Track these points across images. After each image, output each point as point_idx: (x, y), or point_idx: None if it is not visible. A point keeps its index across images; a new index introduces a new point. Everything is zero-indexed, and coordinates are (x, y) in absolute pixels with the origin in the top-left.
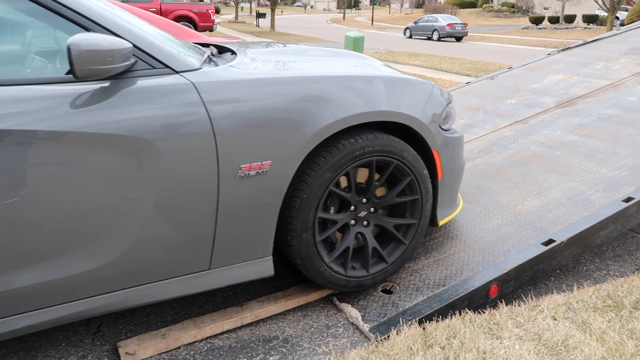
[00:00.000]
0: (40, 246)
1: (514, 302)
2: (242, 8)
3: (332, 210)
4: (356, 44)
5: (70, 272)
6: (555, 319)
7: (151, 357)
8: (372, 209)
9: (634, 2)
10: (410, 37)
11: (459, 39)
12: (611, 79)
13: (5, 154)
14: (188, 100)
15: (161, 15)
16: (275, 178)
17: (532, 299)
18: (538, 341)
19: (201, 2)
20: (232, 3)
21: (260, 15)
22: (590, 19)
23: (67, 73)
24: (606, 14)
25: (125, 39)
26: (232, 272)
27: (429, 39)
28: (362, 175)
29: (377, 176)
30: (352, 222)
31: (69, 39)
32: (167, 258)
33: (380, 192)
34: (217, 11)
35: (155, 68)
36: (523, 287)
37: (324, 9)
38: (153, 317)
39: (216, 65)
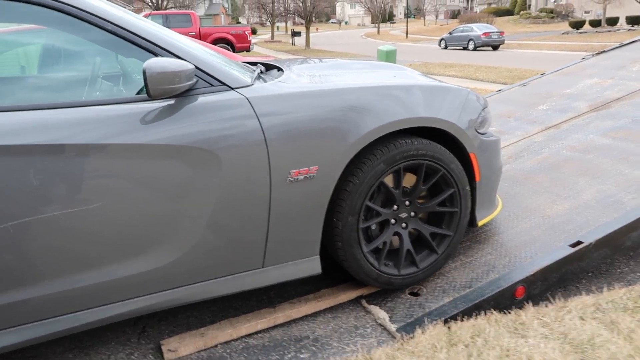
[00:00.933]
0: (117, 246)
1: (541, 303)
2: (278, 27)
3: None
4: (389, 57)
5: (143, 268)
6: (582, 319)
7: (191, 354)
8: (412, 213)
9: None
10: (446, 47)
11: (495, 47)
12: None
13: (87, 165)
14: (243, 114)
15: (200, 38)
16: (322, 182)
17: (560, 301)
18: (563, 340)
19: (238, 24)
20: (268, 23)
21: (295, 34)
22: (634, 21)
23: (137, 93)
24: None
25: (188, 61)
26: (283, 270)
27: (465, 49)
28: (409, 180)
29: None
30: (393, 220)
31: (144, 63)
32: (226, 257)
33: (422, 199)
34: (254, 32)
35: (213, 86)
36: (551, 289)
37: (359, 24)
38: (193, 319)
39: (265, 81)
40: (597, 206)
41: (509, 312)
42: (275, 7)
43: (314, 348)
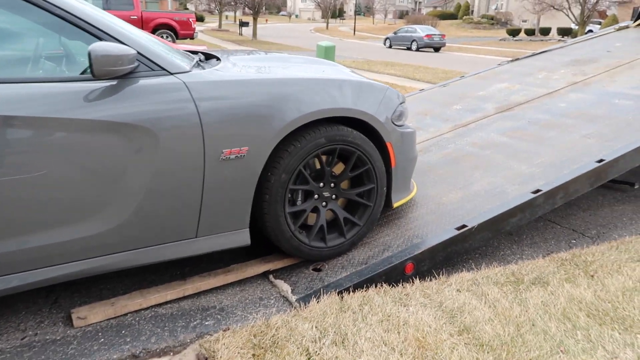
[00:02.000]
0: (58, 213)
1: (427, 278)
2: (226, 17)
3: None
4: (327, 53)
5: (82, 234)
6: (459, 291)
7: (100, 321)
8: (333, 195)
9: (607, 16)
10: (390, 47)
11: (437, 49)
12: (549, 87)
13: (33, 136)
14: (180, 97)
15: (142, 22)
16: (251, 161)
17: (444, 276)
18: (438, 308)
19: (185, 10)
20: (216, 11)
21: (243, 24)
22: (564, 32)
23: (81, 73)
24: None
25: (131, 47)
26: (214, 241)
27: (408, 49)
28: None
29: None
30: (316, 195)
31: (89, 46)
32: (161, 227)
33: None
34: (201, 19)
35: (153, 70)
36: (437, 266)
37: (309, 19)
38: (106, 291)
39: (203, 69)
40: (486, 195)
41: (397, 286)
42: None
43: (218, 316)
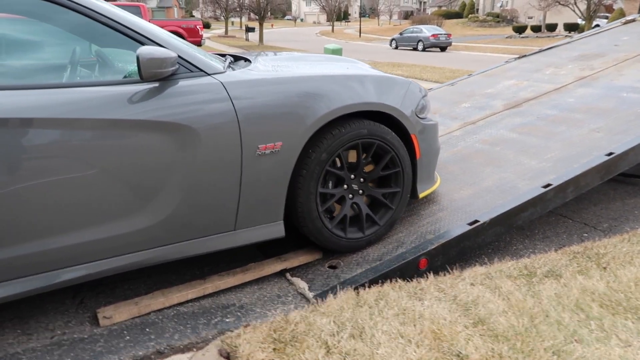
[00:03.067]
0: (109, 208)
1: (441, 273)
2: (232, 23)
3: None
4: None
5: (131, 228)
6: (472, 285)
7: (125, 320)
8: (362, 183)
9: (614, 10)
10: (396, 48)
11: (443, 49)
12: (557, 83)
13: (86, 138)
14: (218, 96)
15: None
16: (285, 155)
17: (457, 271)
18: (453, 301)
19: (192, 18)
20: (222, 18)
21: (249, 30)
22: (571, 27)
23: (125, 77)
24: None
25: (172, 50)
26: (252, 233)
27: (415, 49)
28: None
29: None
30: (350, 193)
31: (137, 50)
32: (203, 220)
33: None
34: (208, 26)
35: (192, 72)
36: (451, 261)
37: (314, 22)
38: (129, 292)
39: (233, 70)
40: (497, 191)
41: (412, 281)
42: (230, 2)
43: (238, 313)
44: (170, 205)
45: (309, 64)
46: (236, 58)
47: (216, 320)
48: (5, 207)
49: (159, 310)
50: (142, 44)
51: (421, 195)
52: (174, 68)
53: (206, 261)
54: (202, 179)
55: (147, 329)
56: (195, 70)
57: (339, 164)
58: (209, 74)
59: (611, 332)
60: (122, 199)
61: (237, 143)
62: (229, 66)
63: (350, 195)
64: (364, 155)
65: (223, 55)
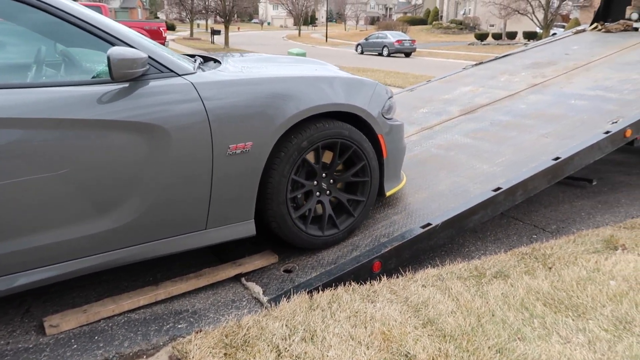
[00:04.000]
0: (78, 209)
1: (394, 275)
2: (198, 25)
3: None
4: None
5: (101, 228)
6: (424, 286)
7: (73, 328)
8: (331, 181)
9: (570, 19)
10: (362, 53)
11: (407, 54)
12: (510, 89)
13: (54, 138)
14: (189, 97)
15: None
16: (255, 155)
17: (410, 273)
18: (404, 303)
19: (156, 19)
20: (187, 20)
21: (214, 32)
22: (530, 36)
23: (93, 77)
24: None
25: (142, 51)
26: (223, 232)
27: (380, 54)
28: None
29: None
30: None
31: (108, 50)
32: (174, 218)
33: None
34: (172, 28)
35: (163, 72)
36: (404, 263)
37: (281, 26)
38: (79, 299)
39: (203, 70)
40: (450, 195)
41: (366, 283)
42: (195, 4)
43: (191, 319)
44: (142, 205)
45: (278, 65)
46: (205, 59)
47: (168, 326)
48: None
49: (109, 317)
50: (112, 44)
51: (388, 193)
52: (144, 69)
53: (159, 267)
54: (173, 179)
55: (96, 337)
56: (166, 70)
57: (311, 161)
58: (179, 75)
59: (552, 329)
60: (92, 199)
61: (208, 143)
62: (198, 67)
63: (318, 193)
64: (333, 154)
65: (192, 56)
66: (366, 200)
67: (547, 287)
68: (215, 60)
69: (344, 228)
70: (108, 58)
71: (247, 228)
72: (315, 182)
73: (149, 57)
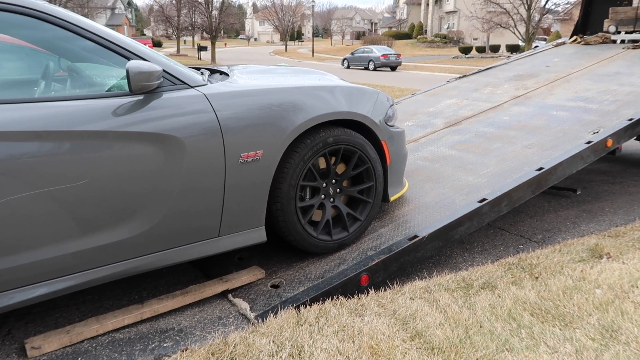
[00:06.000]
0: (96, 219)
1: (382, 288)
2: (184, 41)
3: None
4: None
5: (118, 237)
6: (412, 299)
7: (56, 350)
8: (338, 189)
9: (551, 32)
10: (348, 67)
11: (393, 68)
12: (493, 101)
13: (72, 149)
14: (202, 107)
15: None
16: (266, 163)
17: (398, 285)
18: (392, 316)
19: (142, 36)
20: (174, 37)
21: (201, 49)
22: (512, 49)
23: (107, 90)
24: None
25: (157, 64)
26: (235, 239)
27: (366, 68)
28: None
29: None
30: (323, 195)
31: (127, 64)
32: (189, 226)
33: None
34: (159, 45)
35: (176, 84)
36: (392, 276)
37: (268, 41)
38: (62, 319)
39: (212, 82)
40: (436, 206)
41: (353, 297)
42: (181, 21)
43: (177, 337)
44: (157, 214)
45: (283, 76)
46: (212, 71)
47: (153, 345)
48: (4, 220)
49: (93, 337)
50: (128, 58)
51: (392, 198)
52: (159, 81)
53: (145, 284)
54: (187, 188)
55: (79, 358)
56: (179, 83)
57: (319, 167)
58: (191, 87)
59: (540, 339)
60: (109, 209)
61: (221, 152)
62: (207, 79)
63: (323, 196)
64: (334, 160)
65: (198, 69)
66: (372, 203)
67: (534, 297)
68: (222, 72)
69: (353, 230)
70: (127, 71)
71: (259, 235)
72: (324, 185)
73: (163, 70)
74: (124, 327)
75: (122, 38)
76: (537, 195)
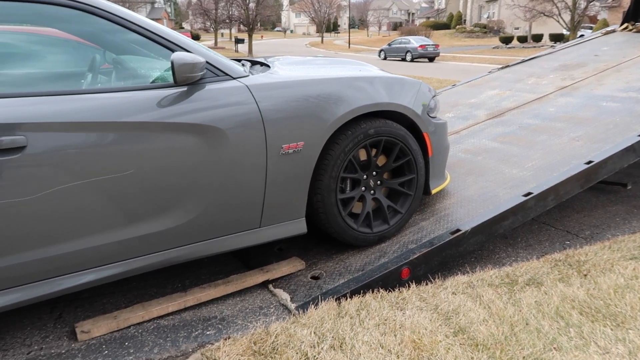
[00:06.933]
0: (142, 208)
1: (423, 282)
2: (222, 34)
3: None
4: None
5: (162, 227)
6: (454, 294)
7: (104, 334)
8: (379, 181)
9: (598, 20)
10: (385, 58)
11: (431, 59)
12: (538, 92)
13: (119, 140)
14: (244, 98)
15: None
16: (307, 154)
17: (440, 280)
18: (434, 310)
19: (181, 29)
20: (212, 29)
21: (238, 41)
22: (556, 38)
23: (152, 82)
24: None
25: (200, 56)
26: (276, 230)
27: (403, 60)
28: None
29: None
30: (363, 187)
31: (172, 55)
32: (230, 217)
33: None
34: (197, 38)
35: (218, 76)
36: (433, 270)
37: (304, 33)
38: (109, 305)
39: (253, 74)
40: (478, 200)
41: (394, 290)
42: (219, 14)
43: (219, 326)
44: (199, 204)
45: (324, 67)
46: (253, 63)
47: (197, 333)
48: (47, 208)
49: (139, 323)
50: (173, 50)
51: (434, 191)
52: (202, 73)
53: (187, 273)
54: (229, 179)
55: (126, 343)
56: (221, 74)
57: (360, 159)
58: (234, 78)
59: (590, 339)
60: (152, 200)
61: (263, 143)
62: (249, 70)
63: (363, 188)
64: (374, 151)
65: (239, 60)
66: (413, 195)
67: (582, 295)
68: (262, 64)
69: (394, 223)
70: (172, 63)
71: (299, 226)
72: (364, 177)
73: (206, 61)
74: (168, 314)
75: (167, 30)
76: (584, 189)
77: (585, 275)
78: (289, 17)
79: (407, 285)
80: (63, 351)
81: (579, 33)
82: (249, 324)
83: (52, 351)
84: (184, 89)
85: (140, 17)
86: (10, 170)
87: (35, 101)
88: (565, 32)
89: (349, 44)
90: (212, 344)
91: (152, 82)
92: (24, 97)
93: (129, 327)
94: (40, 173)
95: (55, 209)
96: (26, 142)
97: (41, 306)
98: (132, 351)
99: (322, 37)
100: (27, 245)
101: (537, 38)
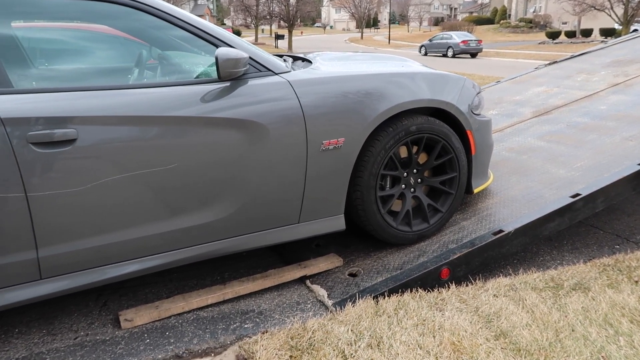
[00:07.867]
0: (184, 202)
1: (463, 283)
2: (262, 30)
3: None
4: None
5: (204, 220)
6: (496, 296)
7: (146, 323)
8: (419, 179)
9: None
10: (426, 54)
11: (473, 55)
12: (588, 90)
13: (162, 134)
14: (286, 94)
15: None
16: (347, 151)
17: (480, 282)
18: (475, 312)
19: (223, 26)
20: (253, 26)
21: (278, 37)
22: (607, 33)
23: (196, 77)
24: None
25: (243, 51)
26: (315, 226)
27: (444, 55)
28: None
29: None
30: (403, 185)
31: (216, 51)
32: (270, 212)
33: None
34: (238, 34)
35: (261, 71)
36: (474, 271)
37: (343, 29)
38: (151, 295)
39: (295, 69)
40: (522, 200)
41: (433, 291)
42: (260, 10)
43: (257, 319)
44: (240, 198)
45: (366, 62)
46: (295, 58)
47: (235, 325)
48: (96, 199)
49: (179, 314)
50: (217, 46)
51: (476, 190)
52: (245, 68)
53: (226, 266)
54: (270, 174)
55: (167, 333)
56: (264, 70)
57: (400, 156)
58: (276, 74)
59: None
60: (194, 193)
61: (303, 139)
62: (290, 66)
63: (403, 185)
64: (415, 149)
65: (280, 56)
66: (455, 194)
67: (633, 303)
68: (304, 59)
69: (434, 222)
70: (216, 58)
71: (338, 223)
72: (405, 174)
73: (249, 57)
74: (207, 306)
75: (211, 26)
76: (637, 192)
77: (637, 281)
78: (329, 13)
79: (446, 285)
80: (107, 338)
81: (632, 27)
82: (286, 318)
83: (97, 337)
84: (227, 84)
85: (185, 13)
86: (62, 162)
87: (85, 95)
88: (617, 26)
89: (389, 40)
90: (250, 337)
91: (196, 77)
92: (74, 92)
93: (170, 317)
94: (90, 165)
95: (103, 201)
96: (77, 135)
97: (87, 294)
98: (172, 341)
99: (362, 32)
100: (76, 234)
101: (587, 33)
